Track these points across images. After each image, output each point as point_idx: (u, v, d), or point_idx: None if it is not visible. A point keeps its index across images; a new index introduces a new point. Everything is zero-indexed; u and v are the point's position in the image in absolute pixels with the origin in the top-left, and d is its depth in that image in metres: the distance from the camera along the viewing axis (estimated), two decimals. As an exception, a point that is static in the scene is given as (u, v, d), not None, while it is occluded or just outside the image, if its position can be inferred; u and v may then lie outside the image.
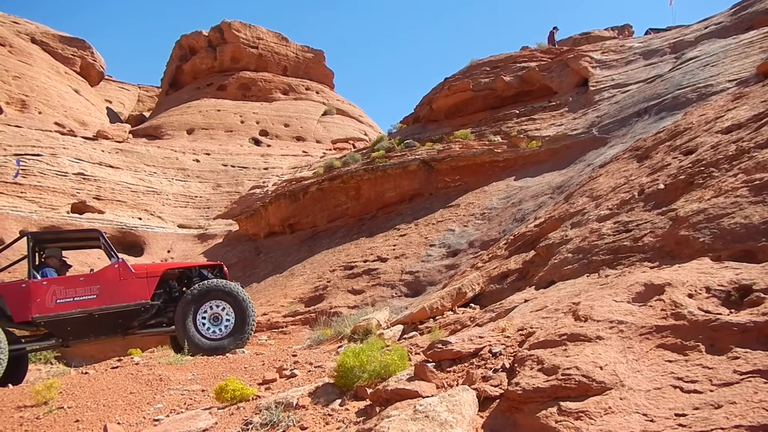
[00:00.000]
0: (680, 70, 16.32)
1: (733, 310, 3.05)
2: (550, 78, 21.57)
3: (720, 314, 3.00)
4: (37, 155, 26.77)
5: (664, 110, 14.29)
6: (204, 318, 8.13)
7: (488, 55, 24.29)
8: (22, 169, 25.57)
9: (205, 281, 8.43)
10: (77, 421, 4.69)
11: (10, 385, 6.96)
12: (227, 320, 8.22)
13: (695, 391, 2.55)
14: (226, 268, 9.13)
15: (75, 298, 7.81)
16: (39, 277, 7.96)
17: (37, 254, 8.53)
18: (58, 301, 7.73)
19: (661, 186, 5.96)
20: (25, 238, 8.24)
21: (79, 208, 26.40)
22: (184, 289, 8.69)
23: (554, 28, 27.85)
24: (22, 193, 24.82)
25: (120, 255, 8.60)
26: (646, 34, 25.89)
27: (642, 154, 8.34)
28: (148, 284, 8.23)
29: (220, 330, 8.17)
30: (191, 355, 7.73)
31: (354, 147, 34.63)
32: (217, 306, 8.24)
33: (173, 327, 8.30)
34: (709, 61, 15.33)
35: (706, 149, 6.17)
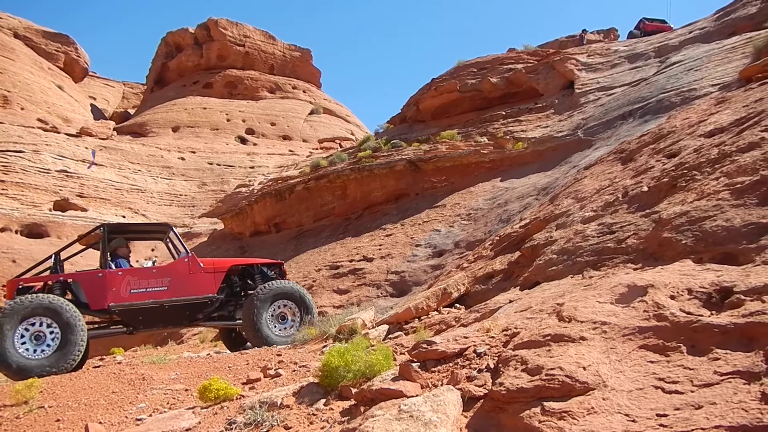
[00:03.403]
0: (664, 74, 16.50)
1: (714, 312, 3.08)
2: (536, 80, 21.69)
3: (701, 316, 3.04)
4: (93, 160, 27.48)
5: (648, 113, 14.44)
6: (272, 315, 8.44)
7: (475, 57, 24.38)
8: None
9: (278, 282, 8.77)
10: (58, 420, 4.63)
11: None
12: (293, 319, 8.55)
13: (676, 392, 2.58)
14: (285, 266, 9.55)
15: (147, 289, 8.14)
16: (114, 267, 8.22)
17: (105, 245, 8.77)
18: (132, 291, 8.04)
19: (645, 188, 6.02)
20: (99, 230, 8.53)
21: (62, 205, 26.09)
22: (244, 284, 9.12)
23: (583, 30, 30.04)
24: (3, 190, 24.47)
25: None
26: (639, 22, 25.97)
27: (626, 157, 8.41)
28: (215, 279, 8.62)
29: (286, 328, 8.48)
30: (259, 346, 8.03)
31: (341, 146, 34.59)
32: (284, 305, 8.56)
33: (236, 321, 8.71)
34: (693, 65, 15.51)
35: (689, 152, 6.24)
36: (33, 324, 7.12)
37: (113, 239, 8.76)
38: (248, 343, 8.85)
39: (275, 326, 8.39)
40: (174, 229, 9.21)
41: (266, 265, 9.31)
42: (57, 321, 7.17)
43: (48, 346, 7.11)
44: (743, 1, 18.16)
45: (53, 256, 8.37)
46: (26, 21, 40.00)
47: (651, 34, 23.48)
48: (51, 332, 7.16)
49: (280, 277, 9.20)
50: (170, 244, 9.25)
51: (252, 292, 8.68)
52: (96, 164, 28.06)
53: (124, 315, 8.02)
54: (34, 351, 7.03)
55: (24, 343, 7.01)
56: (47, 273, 8.24)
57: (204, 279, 8.51)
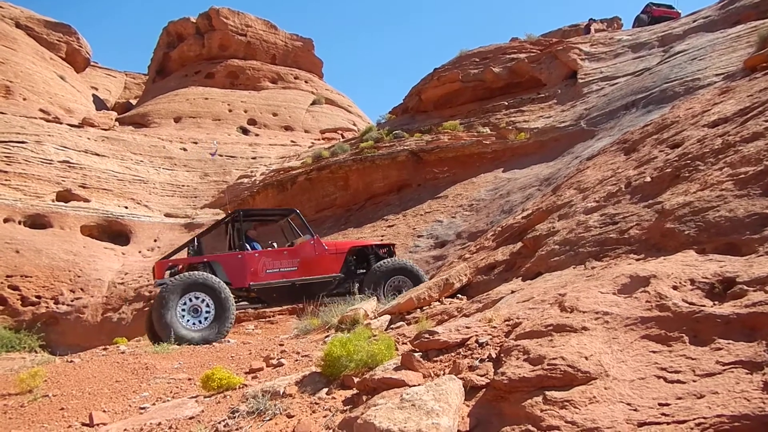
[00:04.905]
0: (668, 63, 16.41)
1: (716, 302, 3.08)
2: (539, 70, 21.59)
3: (704, 306, 3.04)
4: (215, 148, 30.32)
5: (651, 103, 14.37)
6: (390, 287, 9.09)
7: (478, 46, 24.26)
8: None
9: (395, 259, 9.54)
10: (62, 409, 4.67)
11: None
12: None
13: (678, 381, 2.58)
14: (394, 247, 10.43)
15: (280, 269, 9.05)
16: (250, 249, 8.95)
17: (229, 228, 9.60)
18: (267, 271, 8.96)
19: (648, 179, 6.00)
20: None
21: (65, 196, 26.10)
22: (358, 263, 9.86)
23: (590, 19, 29.90)
24: (6, 180, 24.48)
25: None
26: (646, 6, 25.72)
27: (629, 147, 8.39)
28: (337, 259, 9.48)
29: None
30: None
31: (343, 137, 34.54)
32: (401, 281, 9.20)
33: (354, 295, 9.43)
34: (697, 54, 15.42)
35: (692, 143, 6.21)
36: (191, 299, 7.99)
37: (245, 223, 9.58)
38: None
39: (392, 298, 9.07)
40: (299, 212, 9.96)
41: (379, 246, 10.16)
42: (212, 296, 8.02)
43: (204, 318, 8.02)
44: (748, -11, 18.00)
45: (194, 239, 9.25)
46: (28, 11, 39.81)
47: (658, 19, 23.30)
48: (206, 306, 8.01)
49: (390, 257, 9.89)
50: (287, 228, 10.23)
51: (363, 271, 9.55)
52: (217, 153, 30.19)
53: (261, 293, 8.94)
54: (192, 323, 7.95)
55: (184, 315, 7.91)
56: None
57: (328, 259, 9.36)
